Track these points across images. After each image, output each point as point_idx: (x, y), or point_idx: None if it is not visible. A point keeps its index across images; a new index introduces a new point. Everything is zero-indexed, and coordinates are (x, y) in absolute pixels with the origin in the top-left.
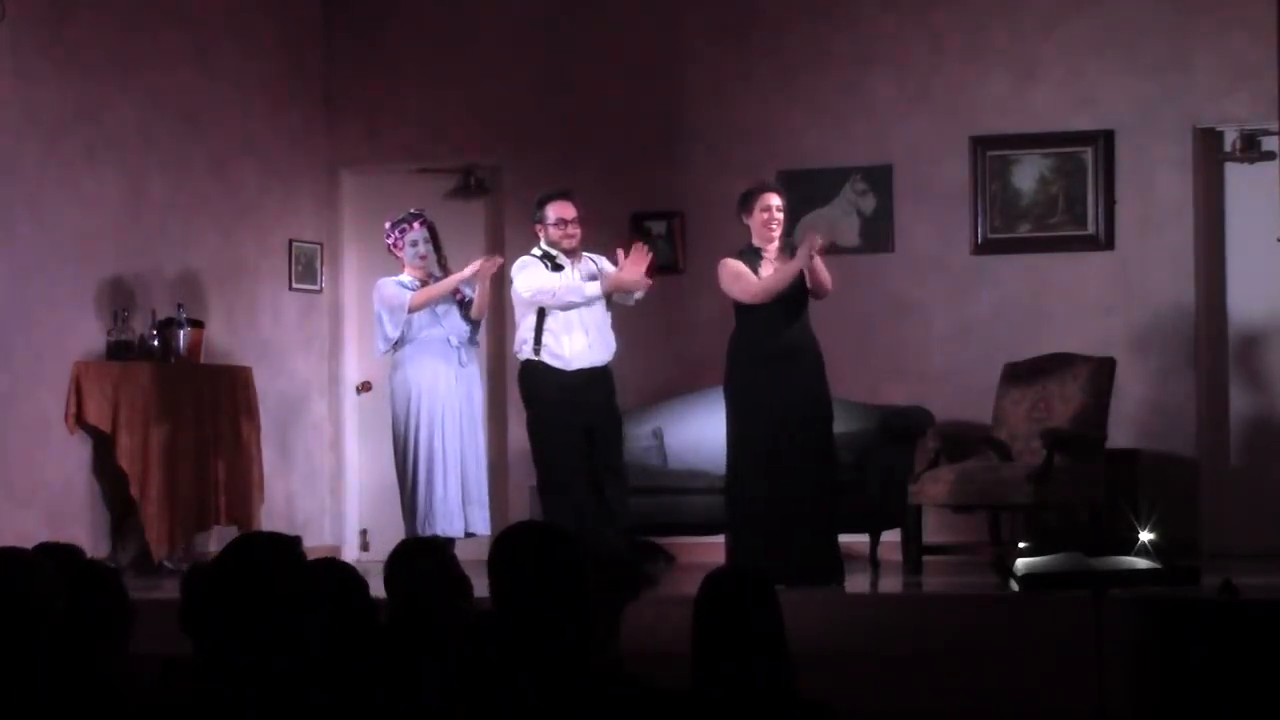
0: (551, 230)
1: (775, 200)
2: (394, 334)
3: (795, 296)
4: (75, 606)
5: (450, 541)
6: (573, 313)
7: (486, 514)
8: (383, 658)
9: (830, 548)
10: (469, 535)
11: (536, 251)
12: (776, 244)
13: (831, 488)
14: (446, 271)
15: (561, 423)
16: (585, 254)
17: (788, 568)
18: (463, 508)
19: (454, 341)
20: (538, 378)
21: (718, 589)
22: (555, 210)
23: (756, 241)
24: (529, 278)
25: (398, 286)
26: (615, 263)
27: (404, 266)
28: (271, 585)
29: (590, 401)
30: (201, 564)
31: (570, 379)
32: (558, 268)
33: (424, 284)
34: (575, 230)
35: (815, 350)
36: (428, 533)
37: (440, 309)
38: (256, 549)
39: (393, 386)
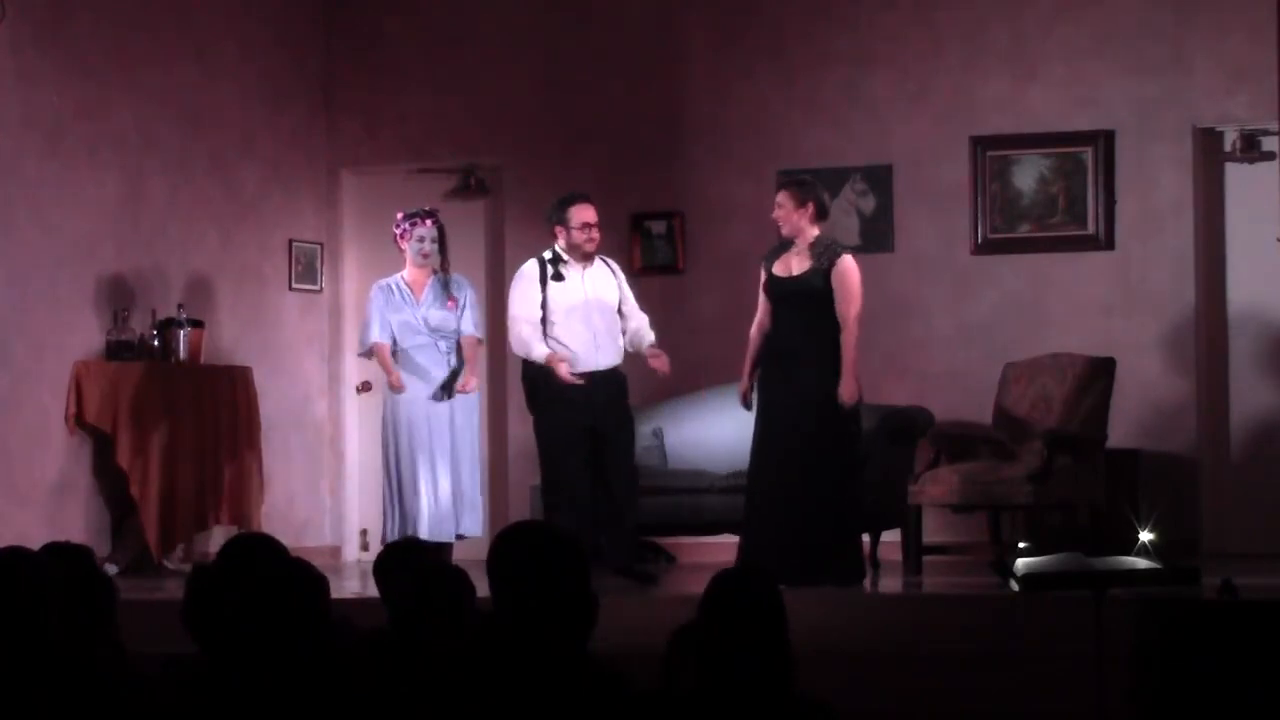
0: (576, 234)
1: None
2: (359, 351)
3: (790, 299)
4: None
5: (449, 546)
6: (577, 315)
7: (478, 515)
8: (387, 656)
9: (825, 549)
10: (459, 538)
11: (548, 254)
12: (806, 237)
13: (825, 489)
14: (448, 275)
15: (564, 423)
16: (600, 258)
17: (782, 567)
18: (452, 510)
19: (443, 348)
20: (542, 378)
21: (723, 588)
22: (579, 214)
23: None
24: (515, 298)
25: (380, 311)
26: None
27: (405, 261)
28: (269, 585)
29: (595, 403)
30: (207, 564)
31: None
32: (559, 276)
33: (415, 285)
34: (597, 234)
35: (811, 353)
36: (402, 535)
37: (431, 316)
38: (253, 549)
39: (385, 386)
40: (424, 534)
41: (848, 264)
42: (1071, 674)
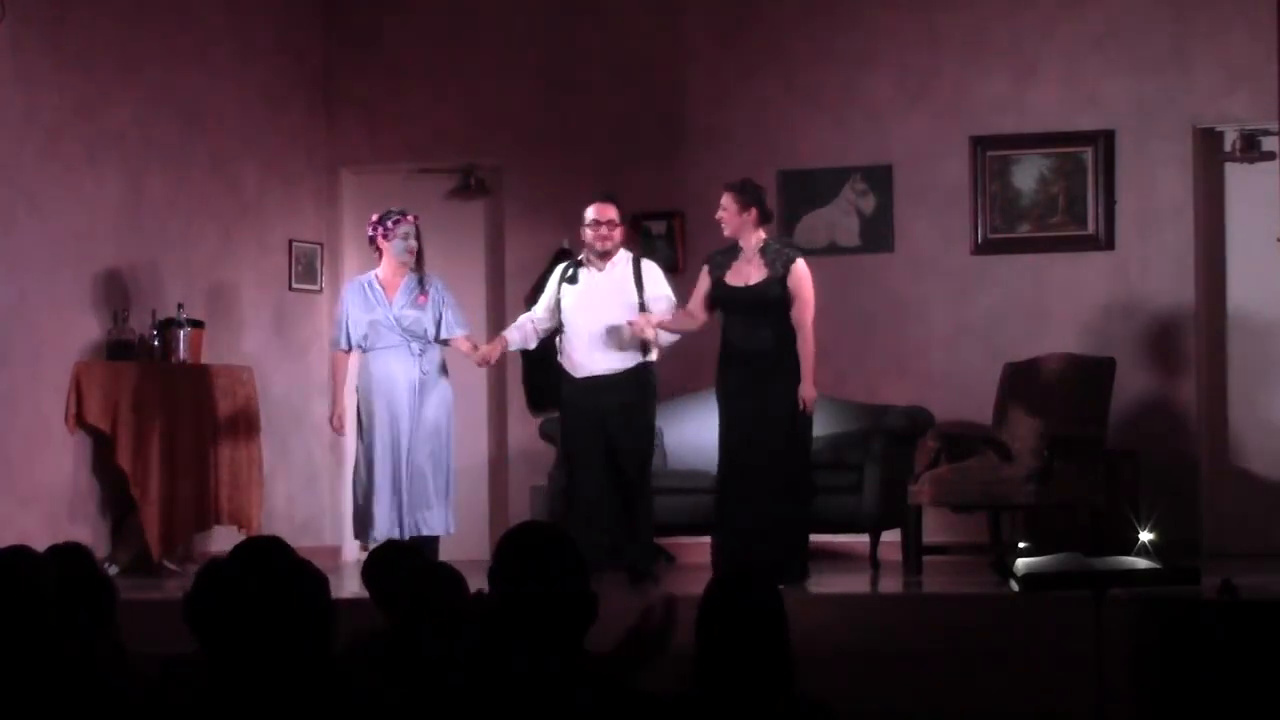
0: (587, 231)
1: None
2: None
3: (749, 309)
4: (63, 593)
5: (434, 542)
6: (578, 317)
7: (445, 514)
8: (389, 654)
9: (793, 550)
10: (423, 536)
11: (580, 256)
12: (753, 240)
13: (793, 495)
14: (421, 275)
15: (573, 427)
16: (638, 259)
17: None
18: (402, 513)
19: (415, 349)
20: (561, 381)
21: (723, 589)
22: (594, 211)
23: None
24: (543, 293)
25: (349, 313)
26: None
27: (379, 260)
28: (277, 585)
29: (601, 407)
30: (218, 560)
31: (581, 384)
32: (573, 279)
33: (389, 284)
34: (608, 232)
35: (775, 362)
36: (358, 535)
37: (405, 317)
38: (265, 551)
39: (359, 376)
40: (379, 535)
41: (802, 269)
42: (1071, 674)
